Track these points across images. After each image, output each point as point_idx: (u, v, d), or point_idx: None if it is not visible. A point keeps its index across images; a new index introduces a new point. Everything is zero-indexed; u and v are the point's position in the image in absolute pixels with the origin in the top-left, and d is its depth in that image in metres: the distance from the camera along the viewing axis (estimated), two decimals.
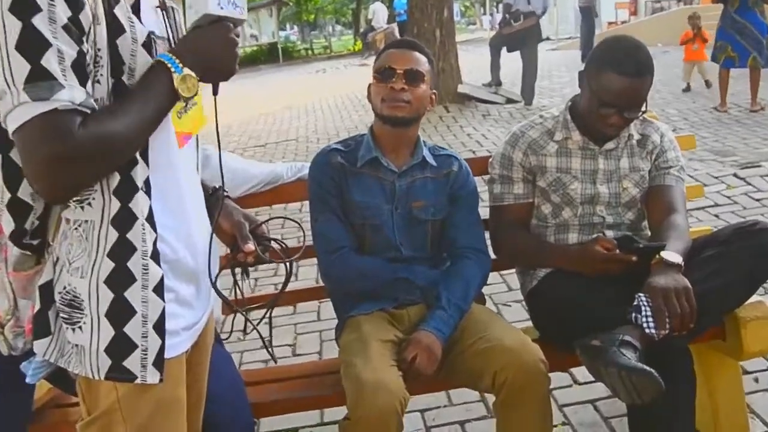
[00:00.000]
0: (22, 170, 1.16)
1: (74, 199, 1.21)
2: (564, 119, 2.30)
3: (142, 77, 1.22)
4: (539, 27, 9.31)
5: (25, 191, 1.24)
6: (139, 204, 1.24)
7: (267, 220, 1.68)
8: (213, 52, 1.27)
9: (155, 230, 1.26)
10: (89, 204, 1.22)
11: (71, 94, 1.11)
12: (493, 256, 2.31)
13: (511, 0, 9.27)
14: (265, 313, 1.69)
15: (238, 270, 1.61)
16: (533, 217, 2.34)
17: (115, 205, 1.22)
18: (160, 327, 1.26)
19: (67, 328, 1.25)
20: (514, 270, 2.50)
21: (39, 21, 1.08)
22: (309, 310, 3.92)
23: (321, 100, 12.42)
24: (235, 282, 1.65)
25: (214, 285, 1.46)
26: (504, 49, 9.64)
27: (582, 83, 2.23)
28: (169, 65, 1.22)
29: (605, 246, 2.07)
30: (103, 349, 1.23)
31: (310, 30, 40.61)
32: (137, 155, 1.23)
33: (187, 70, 1.23)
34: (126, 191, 1.23)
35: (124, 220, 1.23)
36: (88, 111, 1.13)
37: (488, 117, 8.71)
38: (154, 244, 1.26)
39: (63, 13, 1.11)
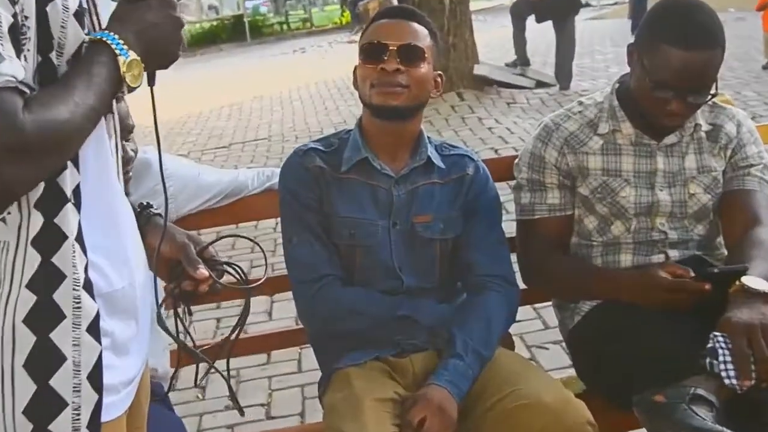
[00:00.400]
0: None
1: None
2: (610, 106, 2.28)
3: (82, 58, 1.24)
4: None
5: None
6: (69, 219, 1.23)
7: (215, 240, 1.73)
8: (155, 34, 1.30)
9: (86, 254, 1.25)
10: (2, 221, 1.20)
11: (12, 67, 1.11)
12: (522, 285, 2.30)
13: None
14: (227, 358, 1.72)
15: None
16: (574, 233, 2.32)
17: (37, 220, 1.21)
18: (95, 378, 1.25)
19: None
20: (550, 303, 2.48)
21: None
22: (287, 358, 3.89)
23: (300, 89, 12.49)
24: (180, 320, 1.67)
25: (160, 321, 1.50)
26: (531, 19, 9.64)
27: (632, 60, 2.21)
28: (114, 47, 1.24)
29: (671, 271, 2.03)
30: (21, 410, 1.21)
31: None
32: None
33: (133, 54, 1.25)
34: (52, 203, 1.22)
35: (50, 239, 1.21)
36: (27, 91, 1.14)
37: (514, 105, 8.73)
38: (86, 271, 1.25)
39: None
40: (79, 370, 1.23)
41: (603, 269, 2.26)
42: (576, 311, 2.28)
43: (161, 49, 1.32)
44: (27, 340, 1.20)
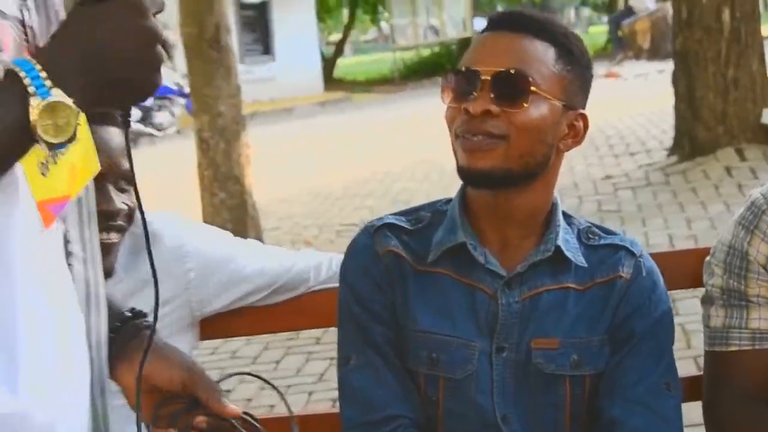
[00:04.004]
0: None
1: None
2: None
3: None
4: None
5: None
6: None
7: (222, 379, 1.68)
8: (114, 53, 1.25)
9: None
10: None
11: None
12: None
13: None
14: None
15: None
16: None
17: None
18: None
19: None
20: None
21: None
22: None
23: None
24: None
25: None
26: None
27: None
28: (28, 81, 1.18)
29: None
30: None
31: None
32: None
33: (58, 94, 1.19)
34: None
35: None
36: None
37: None
38: None
39: None
40: None
41: None
42: None
43: (123, 80, 1.26)
44: None
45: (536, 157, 1.95)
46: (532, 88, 1.91)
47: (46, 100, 1.17)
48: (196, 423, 1.54)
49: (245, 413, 1.61)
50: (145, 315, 1.62)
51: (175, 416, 1.55)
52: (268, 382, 1.79)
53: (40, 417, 1.31)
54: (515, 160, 1.92)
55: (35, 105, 1.17)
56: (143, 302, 2.19)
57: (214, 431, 1.55)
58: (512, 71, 1.92)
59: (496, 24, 2.04)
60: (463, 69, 1.97)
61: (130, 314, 1.62)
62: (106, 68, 1.24)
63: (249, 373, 1.85)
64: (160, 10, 1.28)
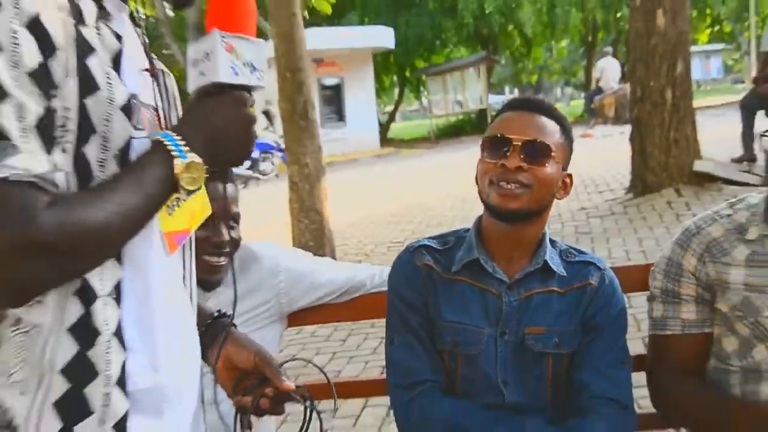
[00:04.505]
0: None
1: None
2: (766, 209, 1.93)
3: (138, 158, 1.20)
4: None
5: None
6: (106, 314, 1.19)
7: (286, 361, 1.64)
8: (225, 132, 1.26)
9: (124, 349, 1.21)
10: (39, 301, 1.15)
11: (29, 161, 1.05)
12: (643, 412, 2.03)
13: None
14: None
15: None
16: (712, 355, 1.99)
17: (75, 309, 1.16)
18: None
19: None
20: None
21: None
22: None
23: None
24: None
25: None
26: (763, 113, 8.96)
27: None
28: (171, 147, 1.20)
29: None
30: None
31: (534, 93, 41.05)
32: None
33: (193, 156, 1.21)
34: (89, 294, 1.17)
35: (85, 332, 1.17)
36: (49, 187, 1.08)
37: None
38: (123, 368, 1.21)
39: (30, 57, 1.07)
40: None
41: (739, 401, 1.90)
42: None
43: (230, 150, 1.28)
44: (52, 425, 1.15)
45: (544, 202, 1.94)
46: (552, 154, 1.90)
47: (185, 161, 1.19)
48: (266, 393, 1.51)
49: (298, 386, 1.58)
50: (227, 315, 1.59)
51: (250, 388, 1.52)
52: (321, 369, 1.70)
53: (172, 387, 1.31)
54: (533, 203, 1.91)
55: (178, 164, 1.18)
56: (241, 307, 2.21)
57: (277, 400, 1.52)
58: (540, 140, 1.90)
59: (519, 105, 2.01)
60: (498, 135, 1.93)
61: (216, 315, 1.61)
62: (220, 144, 1.25)
63: (300, 358, 1.80)
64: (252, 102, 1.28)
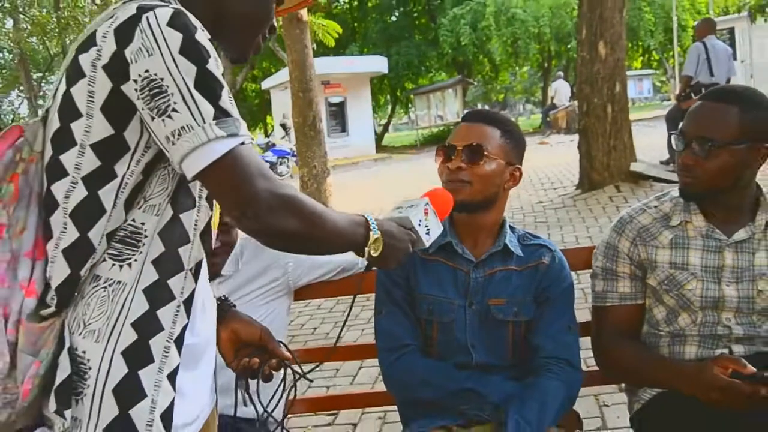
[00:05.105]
0: (107, 210, 1.14)
1: (112, 254, 1.16)
2: (686, 201, 1.88)
3: (347, 215, 1.28)
4: None
5: (97, 231, 1.15)
6: (181, 285, 1.19)
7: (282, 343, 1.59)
8: (395, 246, 1.34)
9: (188, 316, 1.20)
10: (129, 265, 1.16)
11: (247, 130, 1.11)
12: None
13: (691, 72, 8.60)
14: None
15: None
16: (645, 322, 1.94)
17: (150, 275, 1.16)
18: (167, 417, 1.17)
19: None
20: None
21: (210, 65, 1.10)
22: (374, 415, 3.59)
23: None
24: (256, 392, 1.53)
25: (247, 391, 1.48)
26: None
27: None
28: (369, 224, 1.29)
29: (724, 365, 1.61)
30: (103, 428, 1.13)
31: (500, 110, 40.89)
32: (197, 238, 1.21)
33: (378, 235, 1.29)
34: (169, 266, 1.18)
35: (160, 294, 1.17)
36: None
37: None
38: (183, 330, 1.20)
39: (220, 63, 1.13)
40: (155, 408, 1.15)
41: (666, 360, 1.85)
42: (640, 397, 1.89)
43: (390, 257, 1.34)
44: (120, 370, 1.14)
45: (487, 193, 1.88)
46: (485, 153, 1.85)
47: (375, 236, 1.28)
48: (270, 363, 1.49)
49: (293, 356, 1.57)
50: (227, 300, 1.55)
51: (252, 354, 1.49)
52: (286, 347, 1.57)
53: (203, 344, 1.30)
54: (476, 195, 1.86)
55: (371, 235, 1.27)
56: (257, 284, 2.16)
57: (278, 367, 1.50)
58: (474, 144, 1.85)
59: (467, 117, 1.98)
60: (447, 144, 1.90)
61: (219, 300, 1.55)
62: (388, 248, 1.32)
63: (284, 344, 1.64)
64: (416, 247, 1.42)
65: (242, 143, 1.09)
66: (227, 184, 1.08)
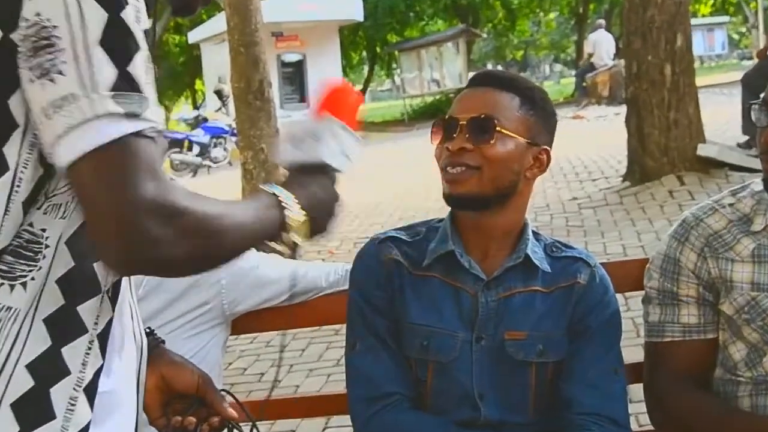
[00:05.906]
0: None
1: (1, 270, 1.13)
2: None
3: (252, 199, 1.34)
4: None
5: None
6: (95, 313, 1.19)
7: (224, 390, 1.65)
8: (322, 203, 1.41)
9: (103, 356, 1.20)
10: (23, 285, 1.13)
11: (156, 115, 1.10)
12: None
13: None
14: None
15: None
16: (718, 365, 1.98)
17: (54, 299, 1.15)
18: None
19: None
20: None
21: (127, 15, 1.08)
22: None
23: None
24: None
25: None
26: None
27: None
28: (283, 199, 1.31)
29: None
30: None
31: (519, 71, 41.21)
32: None
33: (303, 216, 1.33)
34: (79, 287, 1.17)
35: (66, 325, 1.16)
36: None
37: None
38: (96, 374, 1.19)
39: (144, 16, 1.12)
40: None
41: (747, 416, 1.89)
42: None
43: (320, 218, 1.39)
44: (10, 426, 1.12)
45: (502, 183, 1.89)
46: (498, 128, 1.86)
47: (303, 220, 1.32)
48: (211, 422, 1.52)
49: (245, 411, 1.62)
50: (153, 332, 1.58)
51: (186, 411, 1.51)
52: (235, 399, 1.65)
53: (120, 391, 1.27)
54: (486, 186, 1.87)
55: (292, 219, 1.30)
56: (177, 309, 2.18)
57: (220, 428, 1.53)
58: (482, 116, 1.87)
59: (474, 81, 2.00)
60: (447, 117, 1.92)
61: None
62: (316, 212, 1.36)
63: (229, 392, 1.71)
64: None
65: (141, 132, 1.06)
66: (101, 184, 1.05)
